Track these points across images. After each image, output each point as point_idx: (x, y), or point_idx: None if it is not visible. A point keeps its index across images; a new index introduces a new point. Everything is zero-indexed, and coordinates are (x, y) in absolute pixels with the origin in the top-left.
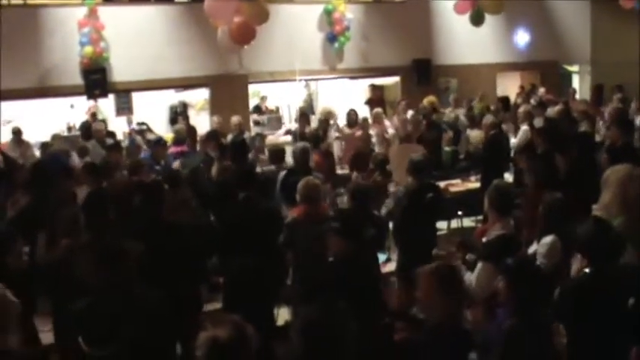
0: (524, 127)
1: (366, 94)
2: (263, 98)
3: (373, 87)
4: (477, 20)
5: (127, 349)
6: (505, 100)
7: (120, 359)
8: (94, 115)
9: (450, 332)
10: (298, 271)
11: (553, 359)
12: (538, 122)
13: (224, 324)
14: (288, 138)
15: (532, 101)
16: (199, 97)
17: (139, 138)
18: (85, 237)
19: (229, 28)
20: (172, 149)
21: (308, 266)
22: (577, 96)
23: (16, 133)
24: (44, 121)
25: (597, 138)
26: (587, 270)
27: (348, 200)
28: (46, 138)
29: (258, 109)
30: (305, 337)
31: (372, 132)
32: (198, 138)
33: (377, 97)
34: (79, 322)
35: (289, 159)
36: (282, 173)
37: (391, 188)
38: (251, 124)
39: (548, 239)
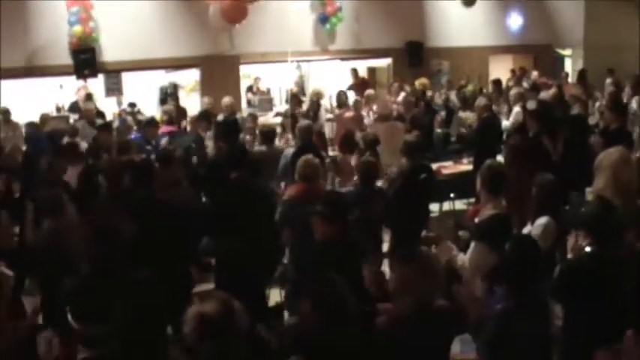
0: (516, 109)
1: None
2: (256, 79)
3: (355, 71)
4: (468, 2)
5: (118, 330)
6: (498, 82)
7: (110, 339)
8: (89, 96)
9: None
10: (294, 249)
11: (546, 343)
12: (531, 105)
13: (211, 299)
14: (278, 119)
15: (525, 84)
16: (190, 78)
17: (129, 118)
18: (70, 217)
19: (221, 7)
20: (163, 129)
21: (304, 245)
22: (569, 80)
23: (5, 113)
24: (33, 101)
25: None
26: (588, 249)
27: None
28: (35, 118)
29: (250, 90)
30: (319, 312)
31: (364, 113)
32: (188, 119)
33: (359, 82)
34: (70, 301)
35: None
36: (290, 151)
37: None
38: (243, 105)
39: (542, 220)
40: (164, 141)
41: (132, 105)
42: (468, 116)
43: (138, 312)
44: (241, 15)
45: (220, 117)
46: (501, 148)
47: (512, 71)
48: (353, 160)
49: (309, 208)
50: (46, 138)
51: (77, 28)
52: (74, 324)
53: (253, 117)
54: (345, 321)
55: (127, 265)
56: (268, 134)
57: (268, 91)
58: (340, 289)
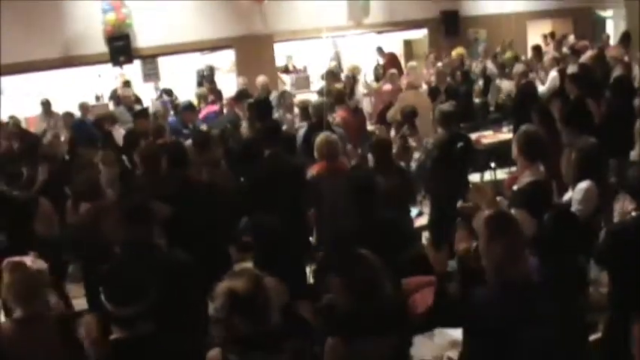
0: (552, 74)
1: (394, 48)
2: (289, 58)
3: (380, 50)
4: None
5: (151, 309)
6: (537, 48)
7: (144, 319)
8: (126, 83)
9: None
10: (322, 228)
11: (575, 317)
12: (571, 69)
13: (241, 275)
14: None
15: (564, 49)
16: (227, 59)
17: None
18: (108, 200)
19: None
20: (205, 110)
21: (332, 223)
22: (611, 42)
23: (45, 104)
24: (72, 91)
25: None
26: (634, 213)
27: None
28: (74, 108)
29: (285, 69)
30: (352, 293)
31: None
32: (224, 100)
33: (388, 58)
34: (103, 282)
35: None
36: (303, 130)
37: (412, 142)
38: (278, 83)
39: (583, 185)
40: (204, 126)
41: (168, 92)
42: (507, 84)
43: (171, 291)
44: None
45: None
46: None
47: (544, 37)
48: (392, 134)
49: (333, 186)
50: (92, 126)
51: (111, 16)
52: (107, 305)
53: (289, 94)
54: (377, 298)
55: (163, 246)
56: (307, 110)
57: (305, 68)
58: (371, 266)
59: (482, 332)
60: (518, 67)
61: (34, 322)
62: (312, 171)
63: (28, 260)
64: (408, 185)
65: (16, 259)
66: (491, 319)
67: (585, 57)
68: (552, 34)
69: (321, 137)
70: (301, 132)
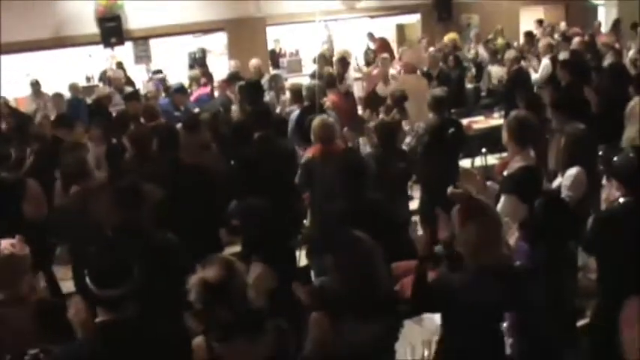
0: (545, 61)
1: (387, 33)
2: (276, 41)
3: (371, 35)
4: None
5: (136, 291)
6: (529, 34)
7: (129, 301)
8: (119, 65)
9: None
10: (315, 211)
11: (566, 302)
12: (563, 55)
13: (213, 264)
14: (308, 80)
15: (556, 36)
16: (219, 42)
17: (159, 84)
18: (96, 182)
19: None
20: (197, 92)
21: (326, 206)
22: (602, 29)
23: (35, 85)
24: (62, 72)
25: None
26: (621, 200)
27: (375, 138)
28: (64, 89)
29: (272, 53)
30: (347, 275)
31: (392, 70)
32: (215, 83)
33: (379, 44)
34: (88, 264)
35: None
36: (296, 113)
37: (405, 126)
38: (270, 68)
39: (572, 171)
40: (196, 109)
41: (157, 72)
42: (498, 70)
43: (159, 274)
44: None
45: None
46: None
47: (539, 22)
48: (381, 116)
49: (329, 169)
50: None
51: None
52: (92, 287)
53: (279, 77)
54: (367, 281)
55: (151, 228)
56: (299, 93)
57: (297, 52)
58: (364, 248)
59: (458, 317)
60: (510, 53)
61: (12, 305)
62: (308, 153)
63: (10, 244)
64: (410, 169)
65: None
66: (466, 303)
67: (575, 43)
68: (540, 21)
69: (317, 120)
70: (293, 115)
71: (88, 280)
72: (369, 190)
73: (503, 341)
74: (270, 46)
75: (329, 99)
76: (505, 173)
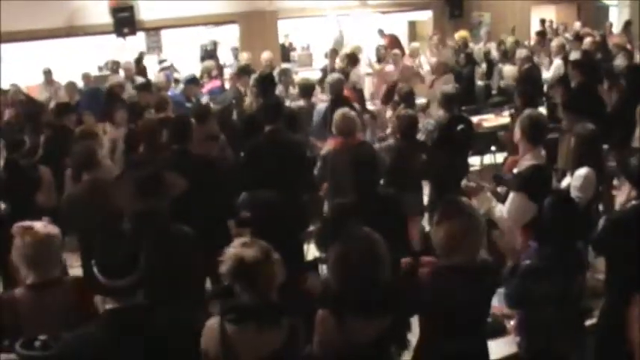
0: (557, 61)
1: (399, 29)
2: (286, 36)
3: (381, 32)
4: None
5: (145, 280)
6: (542, 33)
7: (137, 290)
8: (141, 55)
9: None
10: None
11: (574, 302)
12: (574, 55)
13: (253, 245)
14: (319, 74)
15: (567, 35)
16: (231, 35)
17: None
18: (106, 170)
19: None
20: (209, 85)
21: (336, 199)
22: (614, 30)
23: (47, 73)
24: (72, 61)
25: None
26: (634, 202)
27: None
28: (76, 78)
29: (282, 48)
30: (340, 269)
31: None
32: (225, 76)
33: (389, 41)
34: (95, 254)
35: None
36: (323, 107)
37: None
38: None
39: (582, 171)
40: (205, 99)
41: (162, 61)
42: (509, 69)
43: (168, 264)
44: None
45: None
46: (543, 100)
47: (542, 22)
48: (388, 113)
49: (347, 161)
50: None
51: None
52: (100, 277)
53: (288, 71)
54: (370, 277)
55: (161, 218)
56: (307, 88)
57: (308, 46)
58: (367, 242)
59: (429, 316)
60: (521, 52)
61: (49, 287)
62: (328, 145)
63: (40, 225)
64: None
65: (27, 223)
66: (430, 302)
67: (586, 43)
68: (542, 21)
69: (338, 113)
70: (320, 108)
71: (95, 270)
72: (381, 184)
73: (485, 344)
74: (281, 41)
75: None
76: (515, 171)
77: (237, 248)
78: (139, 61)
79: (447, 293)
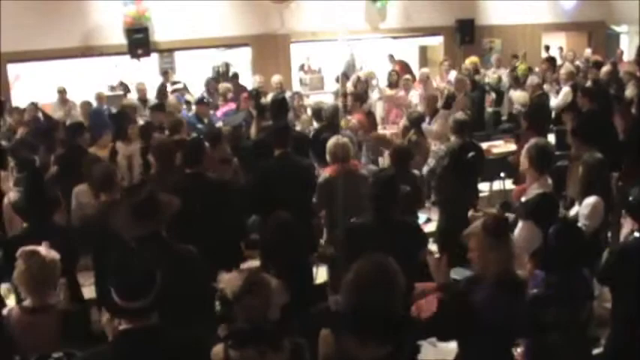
0: (565, 88)
1: (410, 54)
2: (307, 58)
3: (392, 57)
4: None
5: (159, 302)
6: (552, 60)
7: (152, 311)
8: (166, 74)
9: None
10: (333, 229)
11: (580, 330)
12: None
13: (240, 276)
14: (331, 98)
15: (578, 62)
16: (243, 57)
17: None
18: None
19: None
20: (223, 107)
21: (343, 224)
22: (625, 57)
23: (61, 92)
24: (86, 80)
25: None
26: (636, 234)
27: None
28: (89, 97)
29: (302, 69)
30: (350, 292)
31: (416, 91)
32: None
33: (399, 67)
34: (111, 276)
35: None
36: (312, 131)
37: (433, 147)
38: (293, 83)
39: (590, 200)
40: (220, 123)
41: (175, 83)
42: (520, 95)
43: (180, 285)
44: None
45: (270, 96)
46: (551, 127)
47: (546, 48)
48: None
49: (346, 188)
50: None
51: (130, 8)
52: (116, 299)
53: (299, 95)
54: (379, 302)
55: (172, 240)
56: (320, 112)
57: (319, 70)
58: (384, 268)
59: (479, 337)
60: (533, 79)
61: (40, 312)
62: (325, 172)
63: (42, 249)
64: (417, 193)
65: (31, 247)
66: (487, 321)
67: (604, 72)
68: (547, 47)
69: (332, 140)
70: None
71: (112, 292)
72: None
73: None
74: (301, 61)
75: (355, 117)
76: (523, 199)
77: (224, 281)
78: (162, 86)
79: (503, 310)
